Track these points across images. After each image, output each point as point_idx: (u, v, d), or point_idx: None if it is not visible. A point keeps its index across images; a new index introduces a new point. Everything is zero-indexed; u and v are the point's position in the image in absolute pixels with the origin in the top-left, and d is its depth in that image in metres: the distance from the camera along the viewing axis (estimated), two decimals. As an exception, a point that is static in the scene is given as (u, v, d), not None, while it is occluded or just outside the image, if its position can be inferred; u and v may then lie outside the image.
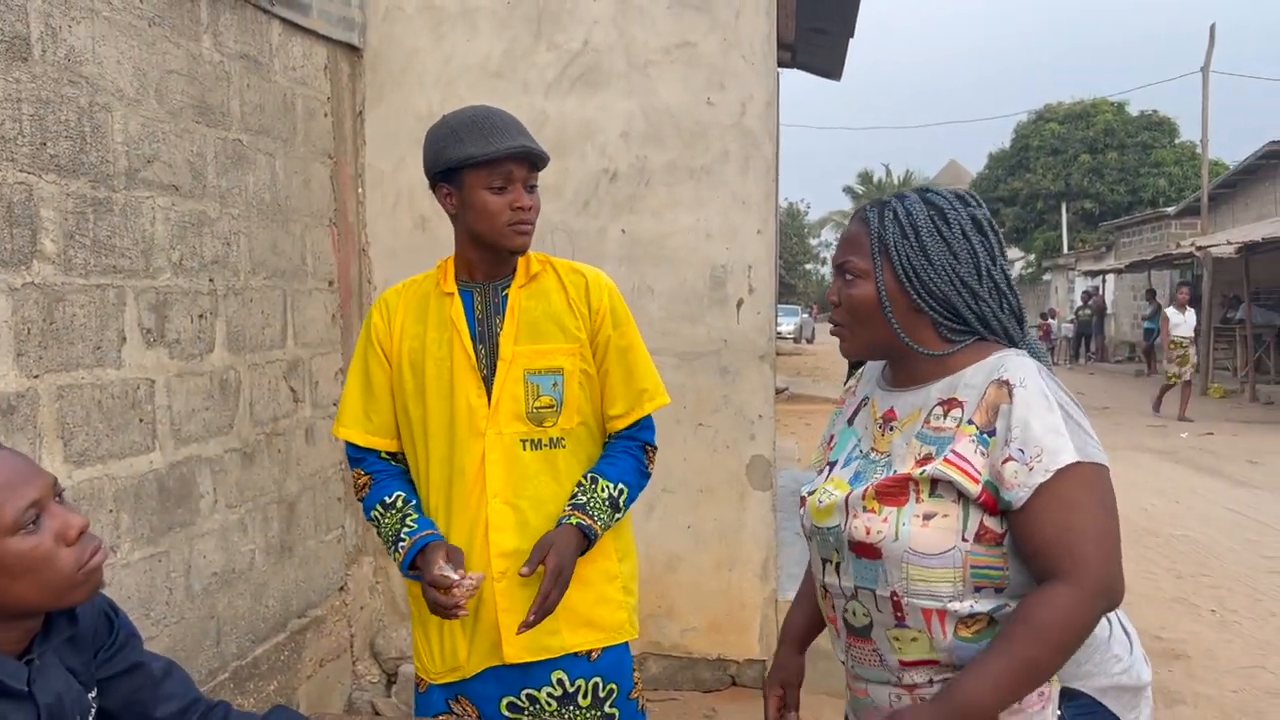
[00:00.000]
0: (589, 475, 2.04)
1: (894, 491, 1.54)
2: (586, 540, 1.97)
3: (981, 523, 1.50)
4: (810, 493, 1.69)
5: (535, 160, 1.97)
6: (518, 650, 1.99)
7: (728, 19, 3.83)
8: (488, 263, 2.03)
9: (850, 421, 1.74)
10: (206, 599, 2.94)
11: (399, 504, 2.04)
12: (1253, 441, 11.41)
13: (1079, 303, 28.50)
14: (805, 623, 1.90)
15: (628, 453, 2.09)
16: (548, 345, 2.01)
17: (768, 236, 3.91)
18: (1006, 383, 1.50)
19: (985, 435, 1.49)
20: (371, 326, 2.09)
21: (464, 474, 2.00)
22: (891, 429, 1.62)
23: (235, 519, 3.09)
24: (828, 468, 1.71)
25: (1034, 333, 1.67)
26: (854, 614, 1.60)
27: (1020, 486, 1.45)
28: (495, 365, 2.00)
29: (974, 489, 1.48)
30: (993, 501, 1.48)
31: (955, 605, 1.49)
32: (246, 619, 3.15)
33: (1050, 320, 26.83)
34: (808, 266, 66.06)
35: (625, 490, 2.04)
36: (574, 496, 2.01)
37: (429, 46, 3.94)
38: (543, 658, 2.01)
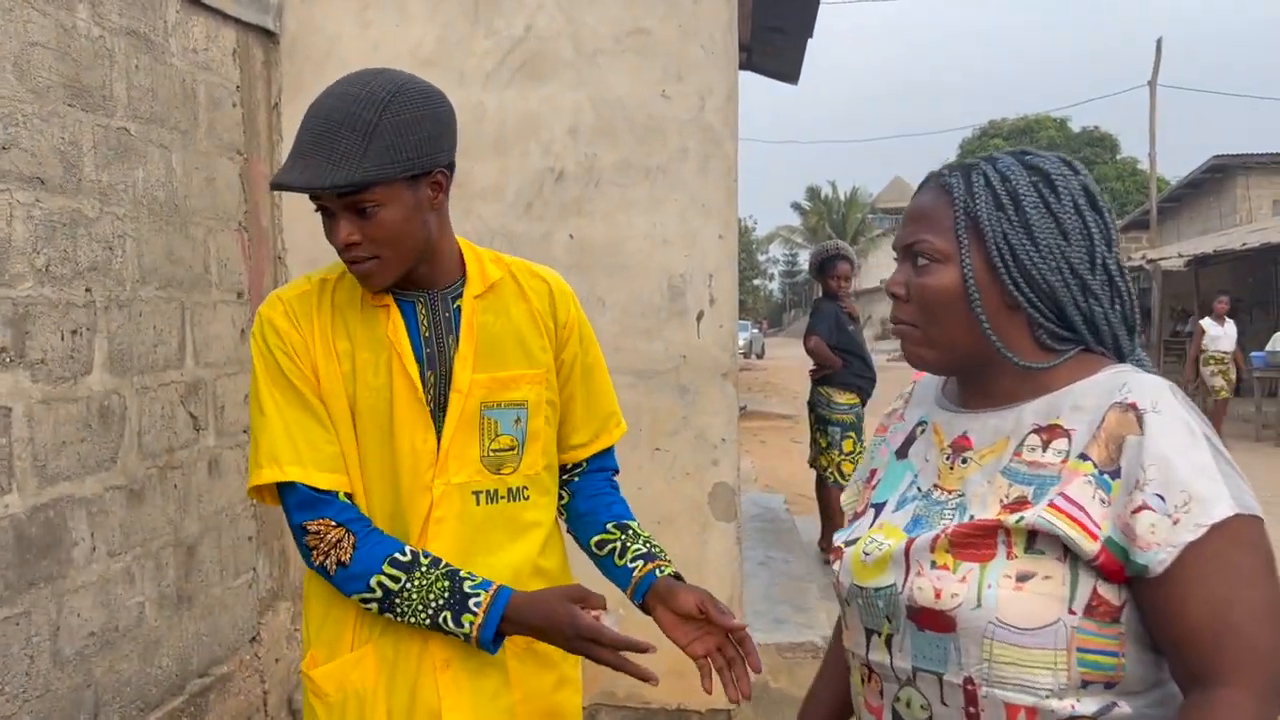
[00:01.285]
0: (618, 523, 1.72)
1: (976, 542, 1.15)
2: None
3: (1094, 590, 1.11)
4: (850, 542, 1.30)
5: (331, 192, 1.43)
6: None
7: (685, 4, 3.49)
8: (421, 272, 1.57)
9: (902, 453, 1.35)
10: (80, 665, 2.49)
11: (426, 560, 1.53)
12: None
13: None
14: (829, 712, 1.46)
15: (610, 485, 1.80)
16: (510, 371, 1.60)
17: (730, 243, 3.56)
18: (1134, 407, 1.13)
19: (1106, 476, 1.11)
20: (282, 333, 1.56)
21: (406, 535, 1.56)
22: (965, 461, 1.24)
23: (119, 568, 2.65)
24: (872, 511, 1.32)
25: (1142, 351, 1.29)
26: (909, 705, 1.21)
27: (1161, 546, 1.07)
28: (448, 397, 1.56)
29: (1091, 547, 1.10)
30: (1114, 565, 1.10)
31: (1054, 704, 1.11)
32: (134, 684, 2.71)
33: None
34: (756, 282, 66.28)
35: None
36: (621, 548, 1.67)
37: (354, 32, 3.54)
38: None
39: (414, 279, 1.58)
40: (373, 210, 1.45)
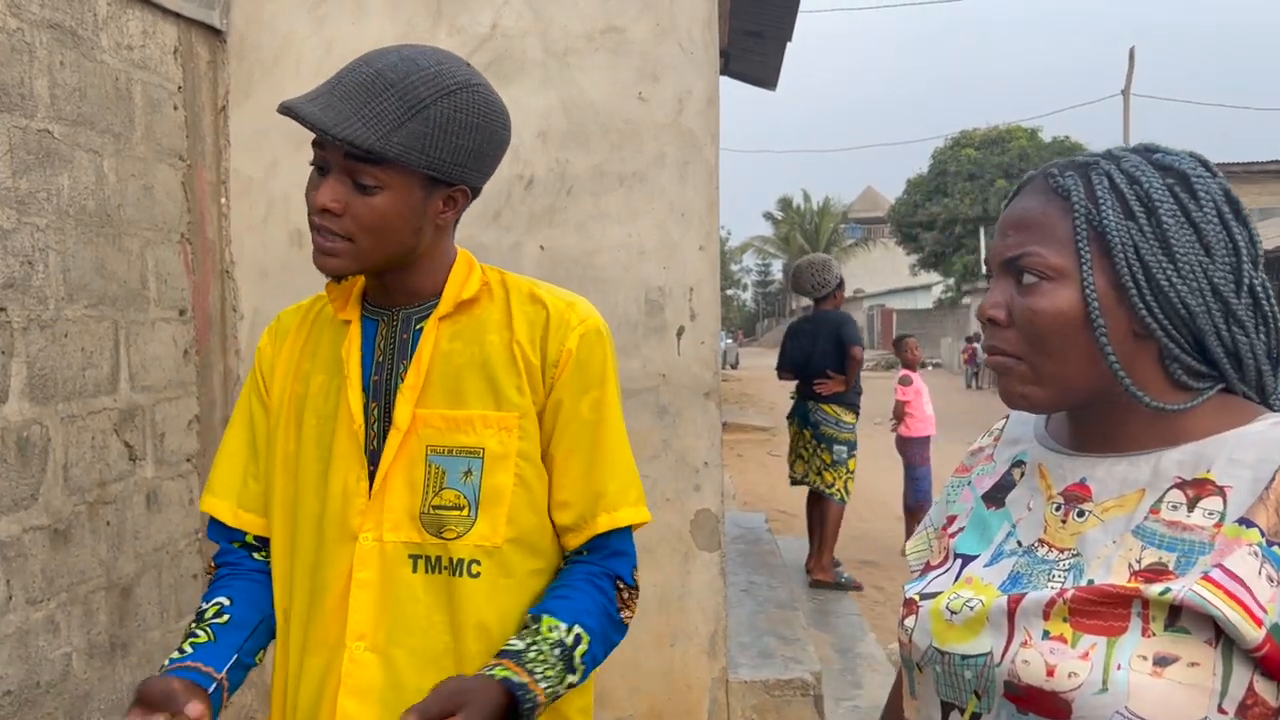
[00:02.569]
0: (532, 612, 1.34)
1: (1104, 612, 0.94)
2: (513, 701, 1.23)
3: (1250, 687, 0.91)
4: (927, 595, 1.08)
5: (344, 144, 1.23)
6: None
7: (661, 1, 3.28)
8: (395, 284, 1.37)
9: (995, 501, 1.12)
10: (-5, 728, 2.23)
11: (205, 615, 1.39)
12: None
13: (1000, 326, 28.74)
14: None
15: (591, 582, 1.37)
16: (467, 410, 1.33)
17: (711, 254, 3.35)
18: None
19: (1276, 549, 0.91)
20: (259, 354, 1.46)
21: (325, 595, 1.34)
22: (1081, 515, 1.02)
23: (41, 617, 2.39)
24: (958, 563, 1.10)
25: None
26: None
27: None
28: (387, 433, 1.34)
29: (1254, 633, 0.89)
30: (1279, 656, 0.90)
31: None
32: (58, 745, 2.44)
33: (976, 344, 26.97)
34: (730, 292, 66.40)
35: (585, 640, 1.31)
36: (508, 642, 1.31)
37: (307, 30, 3.31)
38: None
39: (387, 293, 1.37)
40: (373, 189, 1.25)
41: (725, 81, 7.00)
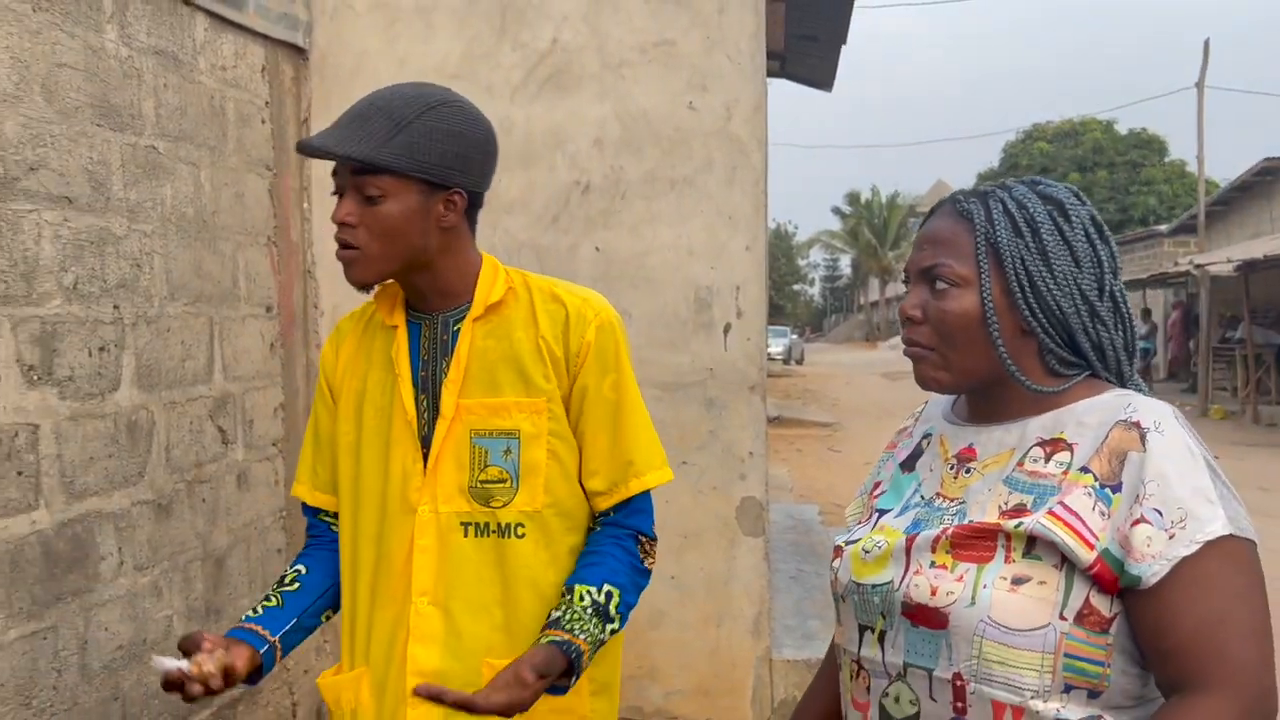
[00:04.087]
0: (565, 586, 1.57)
1: (975, 544, 1.19)
2: (568, 661, 1.48)
3: (1087, 599, 1.15)
4: (850, 542, 1.34)
5: (344, 160, 1.48)
6: None
7: (710, 14, 3.47)
8: (426, 287, 1.60)
9: (907, 466, 1.39)
10: (108, 678, 2.52)
11: (284, 579, 1.69)
12: (1259, 466, 11.04)
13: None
14: (824, 710, 1.48)
15: (616, 544, 1.60)
16: (503, 398, 1.56)
17: (757, 254, 3.53)
18: (1138, 425, 1.17)
19: (1108, 490, 1.15)
20: (322, 360, 1.73)
21: (391, 559, 1.58)
22: (969, 471, 1.28)
23: (147, 582, 2.68)
24: (875, 515, 1.36)
25: (1140, 378, 1.32)
26: (896, 700, 1.24)
27: (1155, 559, 1.12)
28: (436, 421, 1.57)
29: (1087, 555, 1.14)
30: (1109, 575, 1.14)
31: (1038, 705, 1.15)
32: (162, 697, 2.72)
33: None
34: (796, 287, 66.02)
35: (615, 594, 1.55)
36: (549, 615, 1.54)
37: (381, 48, 3.57)
38: None
39: (423, 298, 1.60)
40: (377, 198, 1.48)
41: (775, 89, 7.15)
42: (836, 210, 59.70)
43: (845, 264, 69.24)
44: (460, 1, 3.52)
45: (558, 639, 1.48)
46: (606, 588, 1.54)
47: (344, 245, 1.52)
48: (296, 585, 1.66)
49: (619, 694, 1.72)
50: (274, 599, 1.64)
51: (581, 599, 1.53)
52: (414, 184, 1.49)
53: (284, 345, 3.41)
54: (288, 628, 1.62)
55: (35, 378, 2.29)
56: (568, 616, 1.51)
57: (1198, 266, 16.48)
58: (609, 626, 1.54)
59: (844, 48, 6.18)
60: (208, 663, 1.48)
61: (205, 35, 2.97)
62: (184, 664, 1.48)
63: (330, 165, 1.54)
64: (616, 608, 1.55)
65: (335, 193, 1.54)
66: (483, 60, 3.53)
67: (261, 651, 1.57)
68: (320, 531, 1.75)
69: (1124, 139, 34.04)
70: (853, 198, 58.66)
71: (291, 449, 3.41)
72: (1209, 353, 17.26)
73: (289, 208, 3.44)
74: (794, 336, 37.56)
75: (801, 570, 4.92)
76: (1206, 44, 17.67)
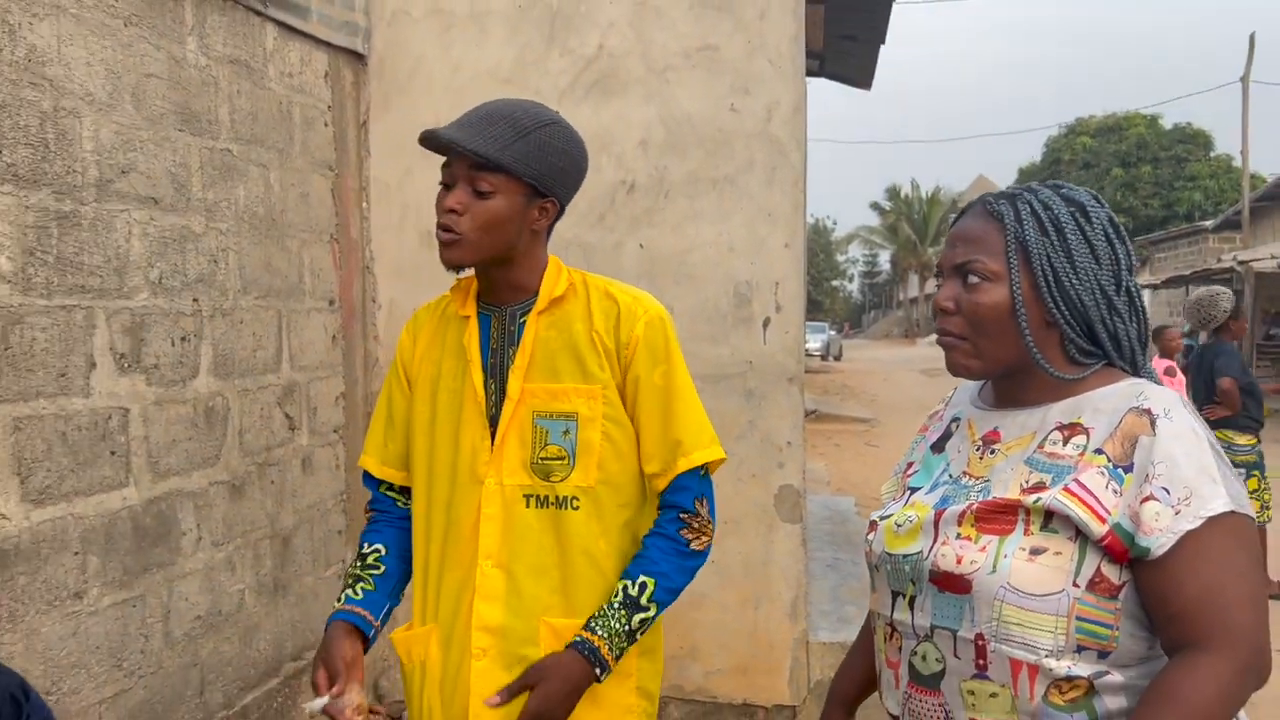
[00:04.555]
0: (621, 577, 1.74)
1: (998, 518, 1.32)
2: (589, 666, 1.65)
3: (1099, 568, 1.27)
4: (884, 517, 1.48)
5: (471, 154, 1.63)
6: None
7: (752, 20, 3.60)
8: (501, 281, 1.76)
9: (937, 447, 1.51)
10: (189, 645, 2.71)
11: (367, 559, 1.83)
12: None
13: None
14: (859, 681, 1.63)
15: (656, 533, 1.75)
16: (562, 384, 1.72)
17: (796, 251, 3.66)
18: (1148, 411, 1.29)
19: (1120, 470, 1.27)
20: (399, 346, 1.89)
21: (460, 526, 1.74)
22: (993, 452, 1.40)
23: (222, 557, 2.87)
24: (908, 492, 1.49)
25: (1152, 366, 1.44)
26: (924, 658, 1.37)
27: (1162, 532, 1.23)
28: (503, 403, 1.74)
29: (1099, 528, 1.26)
30: (1119, 547, 1.26)
31: (1051, 663, 1.27)
32: (235, 665, 2.92)
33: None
34: (834, 283, 65.68)
35: (650, 584, 1.70)
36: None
37: (437, 53, 3.73)
38: None
39: (495, 291, 1.75)
40: (488, 193, 1.65)
41: (815, 86, 7.25)
42: (875, 205, 59.33)
43: (884, 260, 68.83)
44: (512, 9, 3.68)
45: (577, 640, 1.67)
46: (642, 579, 1.70)
47: (446, 229, 1.67)
48: (382, 569, 1.83)
49: (663, 659, 1.88)
50: (367, 581, 1.81)
51: (617, 594, 1.70)
52: (522, 186, 1.65)
53: (345, 337, 3.60)
54: (384, 611, 1.80)
55: (125, 365, 2.47)
56: (599, 618, 1.68)
57: (1241, 263, 16.31)
58: (638, 616, 1.69)
59: (882, 46, 6.26)
60: (353, 693, 1.64)
61: (274, 44, 3.16)
62: (327, 702, 1.63)
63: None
64: (650, 596, 1.70)
65: (443, 183, 1.69)
66: (533, 66, 3.68)
67: (370, 637, 1.76)
68: (385, 506, 1.91)
69: (1168, 134, 33.59)
70: (892, 193, 58.25)
71: (351, 436, 3.59)
72: (1254, 350, 17.07)
73: (349, 207, 3.62)
74: (832, 333, 37.48)
75: (838, 558, 5.04)
76: (1252, 38, 17.45)
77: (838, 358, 35.24)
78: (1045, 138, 37.17)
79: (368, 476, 1.92)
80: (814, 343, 31.52)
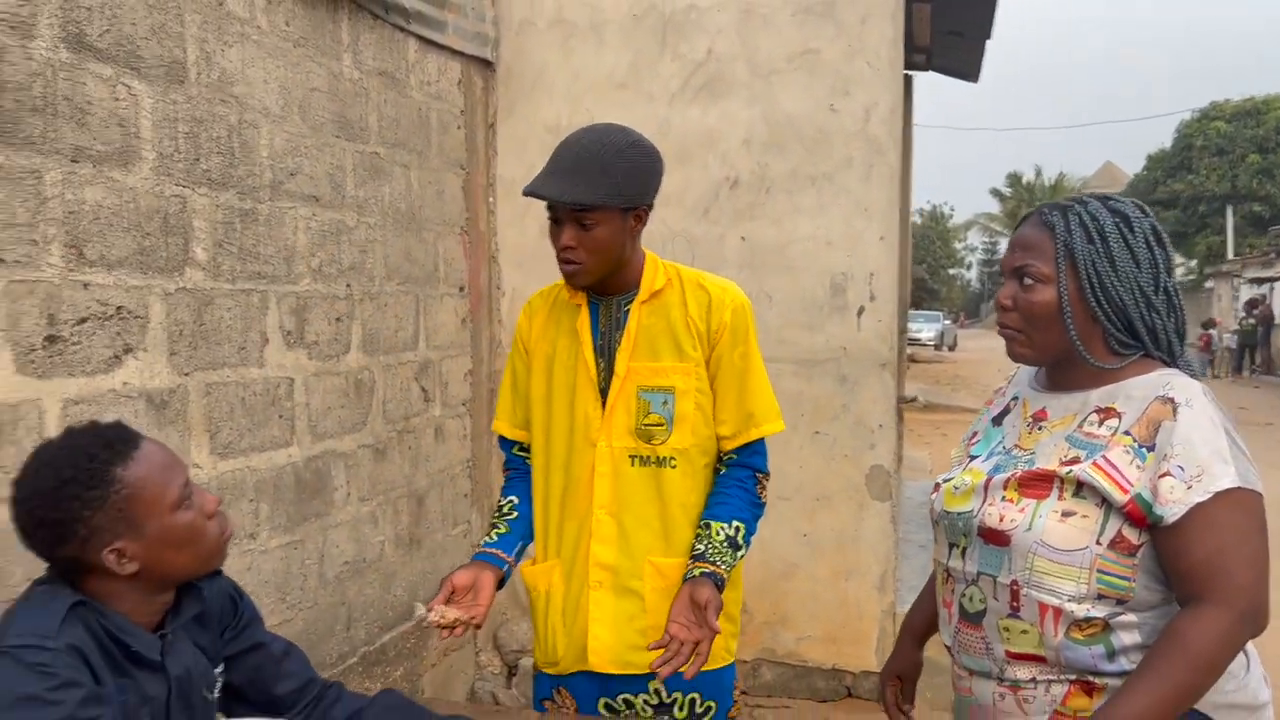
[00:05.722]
0: (702, 522, 2.03)
1: (1036, 484, 1.56)
2: (716, 586, 1.94)
3: (1120, 530, 1.51)
4: (946, 480, 1.74)
5: (570, 205, 1.90)
6: (603, 661, 2.04)
7: (852, 25, 3.81)
8: (610, 279, 2.05)
9: (997, 421, 1.76)
10: (338, 586, 3.11)
11: (503, 509, 2.16)
12: None
13: (1242, 312, 26.84)
14: (927, 618, 1.93)
15: (738, 485, 2.06)
16: (662, 363, 2.03)
17: (891, 244, 3.87)
18: (1171, 400, 1.51)
19: (1143, 449, 1.50)
20: (518, 327, 2.20)
21: (577, 481, 2.06)
22: (1040, 428, 1.64)
23: (367, 511, 3.26)
24: (967, 459, 1.74)
25: (1190, 351, 1.66)
26: (970, 599, 1.62)
27: (1176, 503, 1.45)
28: (611, 379, 2.05)
29: (1120, 498, 1.49)
30: (1139, 514, 1.49)
31: (1073, 607, 1.51)
32: (376, 607, 3.32)
33: (1211, 331, 25.31)
34: (952, 271, 64.22)
35: (741, 527, 2.01)
36: (692, 548, 2.01)
37: (558, 60, 4.06)
38: (629, 673, 2.04)
39: (603, 285, 2.06)
40: (591, 225, 1.93)
41: (933, 74, 7.34)
42: (995, 192, 57.84)
43: (1004, 247, 66.86)
44: (628, 18, 3.98)
45: (707, 570, 1.95)
46: (735, 523, 2.01)
47: (567, 261, 1.97)
48: (515, 515, 2.16)
49: (741, 586, 2.18)
50: (502, 526, 2.14)
51: (718, 534, 2.00)
52: (617, 212, 1.95)
53: (472, 320, 3.97)
54: (517, 549, 2.13)
55: (291, 341, 2.87)
56: (710, 550, 1.98)
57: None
58: (738, 554, 2.01)
59: (988, 42, 6.35)
60: (450, 613, 1.95)
61: (415, 56, 3.53)
62: (430, 613, 1.93)
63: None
64: (743, 538, 2.02)
65: (553, 219, 1.98)
66: (646, 70, 3.97)
67: (504, 570, 2.08)
68: (517, 464, 2.23)
69: (1312, 118, 31.88)
70: (1013, 179, 56.66)
71: (477, 409, 3.97)
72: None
73: (478, 202, 3.99)
74: (947, 322, 36.80)
75: (931, 541, 5.21)
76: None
77: (952, 348, 34.64)
78: (1177, 123, 35.64)
79: (503, 440, 2.24)
80: (928, 332, 31.08)
